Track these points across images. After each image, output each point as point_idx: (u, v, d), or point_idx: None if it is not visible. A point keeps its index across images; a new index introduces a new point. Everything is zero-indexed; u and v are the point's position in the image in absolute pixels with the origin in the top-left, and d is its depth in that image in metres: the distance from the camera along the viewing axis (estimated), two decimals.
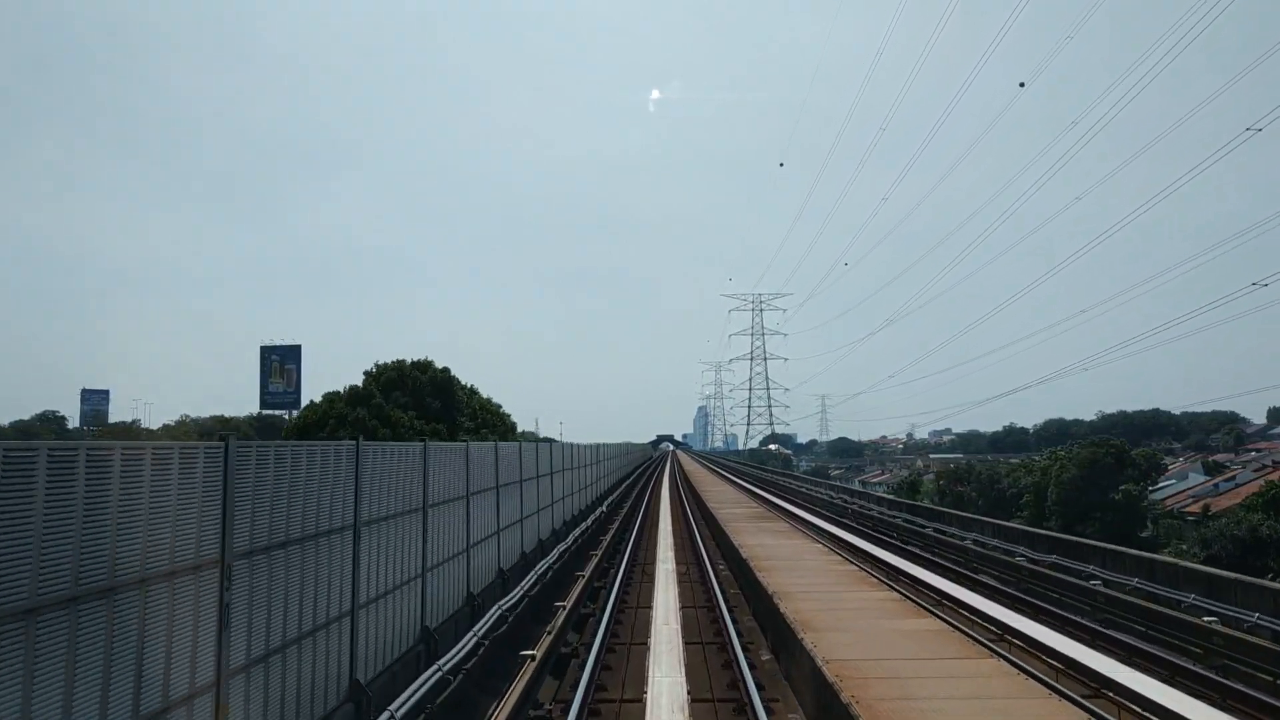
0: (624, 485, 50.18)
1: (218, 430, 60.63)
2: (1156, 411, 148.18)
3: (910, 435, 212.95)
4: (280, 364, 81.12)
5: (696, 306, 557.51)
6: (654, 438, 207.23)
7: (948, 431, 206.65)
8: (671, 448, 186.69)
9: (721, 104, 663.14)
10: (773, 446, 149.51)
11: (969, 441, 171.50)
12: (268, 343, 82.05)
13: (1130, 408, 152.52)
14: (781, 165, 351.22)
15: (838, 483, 74.74)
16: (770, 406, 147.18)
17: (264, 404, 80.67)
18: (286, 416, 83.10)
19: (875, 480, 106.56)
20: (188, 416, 79.75)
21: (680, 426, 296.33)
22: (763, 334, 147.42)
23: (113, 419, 79.34)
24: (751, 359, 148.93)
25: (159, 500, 5.40)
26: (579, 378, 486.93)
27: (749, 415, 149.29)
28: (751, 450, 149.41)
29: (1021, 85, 50.21)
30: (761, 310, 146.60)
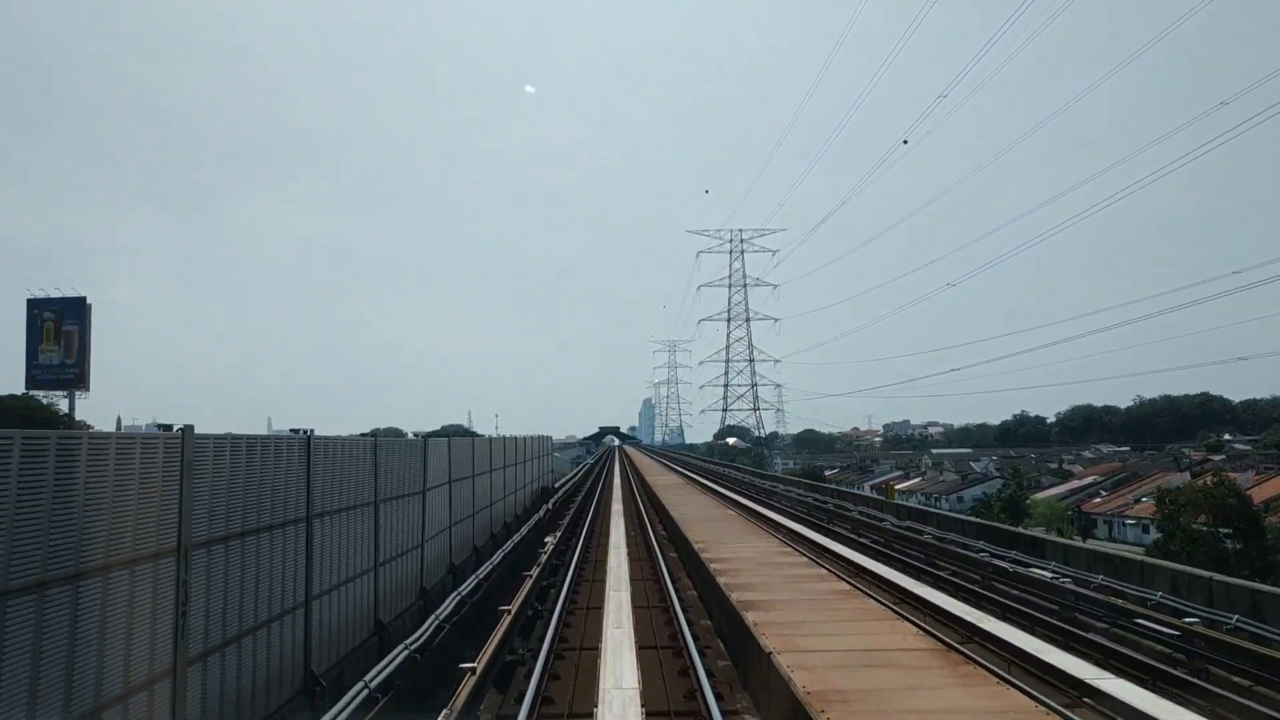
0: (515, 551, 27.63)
1: None
2: (1206, 396, 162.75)
3: (884, 428, 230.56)
4: (55, 325, 78.24)
5: (645, 288, 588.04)
6: (596, 430, 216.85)
7: (905, 424, 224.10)
8: (618, 442, 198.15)
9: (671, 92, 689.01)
10: (730, 440, 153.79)
11: (970, 434, 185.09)
12: (38, 294, 79.05)
13: (1148, 393, 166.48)
14: None
15: (833, 486, 75.33)
16: (755, 385, 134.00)
17: (31, 382, 77.71)
18: (65, 400, 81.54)
19: (902, 488, 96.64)
20: None
21: (626, 420, 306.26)
22: (744, 284, 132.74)
23: None
24: (729, 319, 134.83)
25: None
26: (517, 370, 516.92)
27: (725, 396, 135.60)
28: (709, 445, 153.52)
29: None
30: (743, 253, 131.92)
